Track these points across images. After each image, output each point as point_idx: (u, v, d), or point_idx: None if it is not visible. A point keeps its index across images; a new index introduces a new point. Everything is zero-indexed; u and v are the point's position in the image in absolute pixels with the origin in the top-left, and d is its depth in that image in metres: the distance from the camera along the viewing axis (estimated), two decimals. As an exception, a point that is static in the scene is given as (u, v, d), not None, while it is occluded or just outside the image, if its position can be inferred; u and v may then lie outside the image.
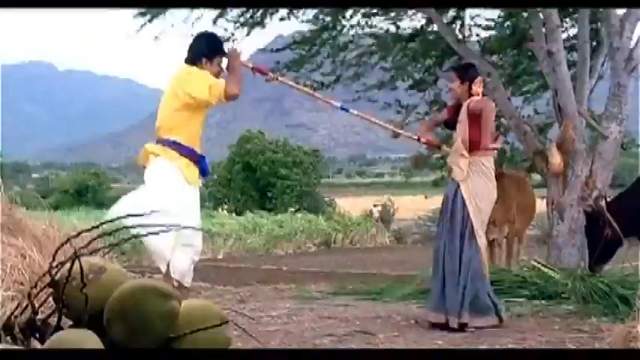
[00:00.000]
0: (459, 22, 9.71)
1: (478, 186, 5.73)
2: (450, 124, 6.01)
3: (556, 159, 7.76)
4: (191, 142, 5.08)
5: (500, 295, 6.65)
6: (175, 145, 5.02)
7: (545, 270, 6.98)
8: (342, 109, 6.06)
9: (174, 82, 5.12)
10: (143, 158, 5.19)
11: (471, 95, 5.78)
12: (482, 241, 5.69)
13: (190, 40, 5.35)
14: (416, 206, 26.17)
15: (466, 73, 5.89)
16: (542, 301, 6.49)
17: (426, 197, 26.73)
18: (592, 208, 7.25)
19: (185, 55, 5.28)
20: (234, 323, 2.74)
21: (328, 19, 9.95)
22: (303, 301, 7.03)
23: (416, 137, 6.07)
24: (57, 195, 40.09)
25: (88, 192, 39.73)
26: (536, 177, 9.80)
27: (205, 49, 5.15)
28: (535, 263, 7.22)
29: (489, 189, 5.81)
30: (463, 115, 5.76)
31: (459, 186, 5.71)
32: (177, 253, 4.99)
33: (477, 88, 5.78)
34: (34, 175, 77.54)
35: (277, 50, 10.43)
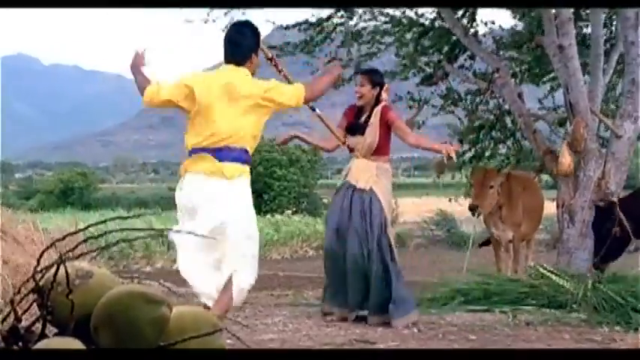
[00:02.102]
0: (468, 16, 9.73)
1: (386, 187, 6.15)
2: (351, 128, 6.25)
3: (566, 159, 7.75)
4: (252, 148, 4.77)
5: (507, 303, 6.65)
6: (247, 155, 4.68)
7: (555, 277, 6.97)
8: (311, 108, 6.12)
9: (240, 87, 4.67)
10: (219, 174, 4.60)
11: (377, 101, 6.14)
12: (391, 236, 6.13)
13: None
14: (419, 209, 26.17)
15: (377, 78, 6.26)
16: (552, 310, 6.48)
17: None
18: (604, 203, 7.28)
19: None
20: (227, 331, 2.73)
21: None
22: (300, 309, 7.02)
23: (343, 141, 6.31)
24: (41, 196, 40.12)
25: (75, 193, 39.73)
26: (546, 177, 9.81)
27: (255, 43, 4.83)
28: (543, 270, 7.21)
29: (390, 190, 6.26)
30: (375, 120, 6.10)
31: (371, 189, 6.06)
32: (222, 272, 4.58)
33: (385, 94, 6.19)
34: (18, 175, 77.53)
35: (286, 28, 10.43)
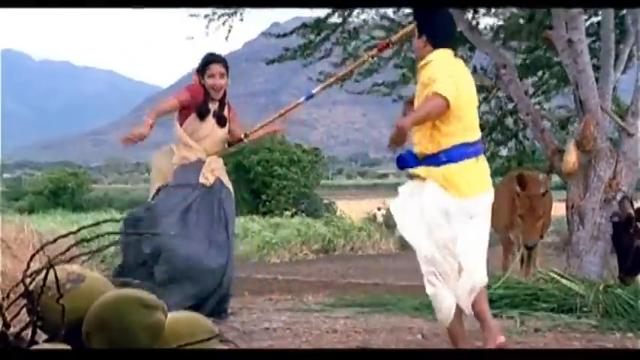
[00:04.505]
0: (471, 10, 9.71)
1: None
2: (202, 112, 6.18)
3: (571, 157, 7.70)
4: None
5: (515, 308, 6.64)
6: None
7: (564, 281, 6.96)
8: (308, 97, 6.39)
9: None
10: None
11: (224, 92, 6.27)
12: None
13: None
14: (423, 210, 26.07)
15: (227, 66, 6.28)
16: (561, 315, 6.47)
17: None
18: (618, 217, 7.28)
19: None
20: (224, 337, 2.72)
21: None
22: (300, 314, 7.01)
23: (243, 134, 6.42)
24: (31, 197, 40.11)
25: (66, 193, 39.71)
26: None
27: None
28: (553, 274, 7.19)
29: None
30: (231, 112, 6.27)
31: (221, 181, 6.34)
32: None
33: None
34: (6, 175, 77.56)
35: (284, 35, 10.52)
